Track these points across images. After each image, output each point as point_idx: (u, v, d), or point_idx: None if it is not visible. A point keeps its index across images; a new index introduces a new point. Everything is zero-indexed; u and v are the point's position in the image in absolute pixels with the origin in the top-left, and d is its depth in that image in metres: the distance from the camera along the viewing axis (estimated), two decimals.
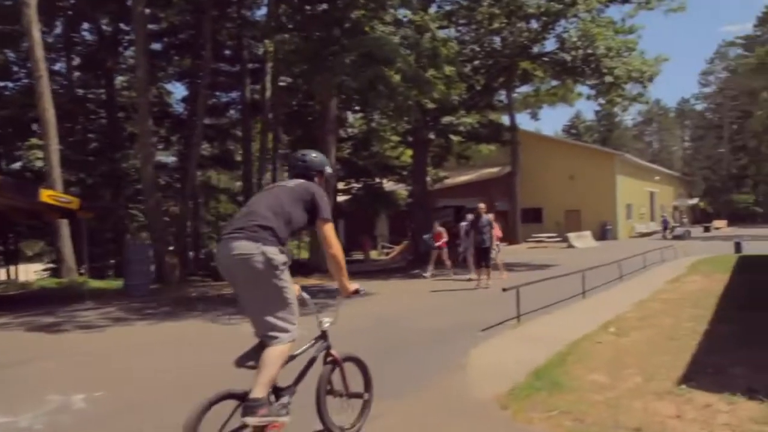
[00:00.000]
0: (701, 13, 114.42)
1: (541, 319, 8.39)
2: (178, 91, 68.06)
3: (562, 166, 39.84)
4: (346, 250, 29.57)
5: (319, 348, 3.79)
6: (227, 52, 33.05)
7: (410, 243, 25.28)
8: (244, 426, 3.16)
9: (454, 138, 22.27)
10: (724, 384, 4.69)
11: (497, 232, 14.40)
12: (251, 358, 3.37)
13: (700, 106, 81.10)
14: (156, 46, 31.17)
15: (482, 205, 14.29)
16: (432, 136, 21.01)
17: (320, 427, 3.72)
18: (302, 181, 3.70)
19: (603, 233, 37.54)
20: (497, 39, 22.40)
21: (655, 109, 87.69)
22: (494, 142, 23.86)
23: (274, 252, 3.29)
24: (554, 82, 27.52)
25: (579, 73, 20.96)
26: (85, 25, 28.77)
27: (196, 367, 6.26)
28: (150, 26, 30.39)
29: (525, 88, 40.26)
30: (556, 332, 7.35)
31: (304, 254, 24.98)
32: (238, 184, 40.04)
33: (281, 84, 24.60)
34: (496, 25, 20.93)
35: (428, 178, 25.54)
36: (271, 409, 3.21)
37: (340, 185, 29.97)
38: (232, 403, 3.18)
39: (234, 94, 33.93)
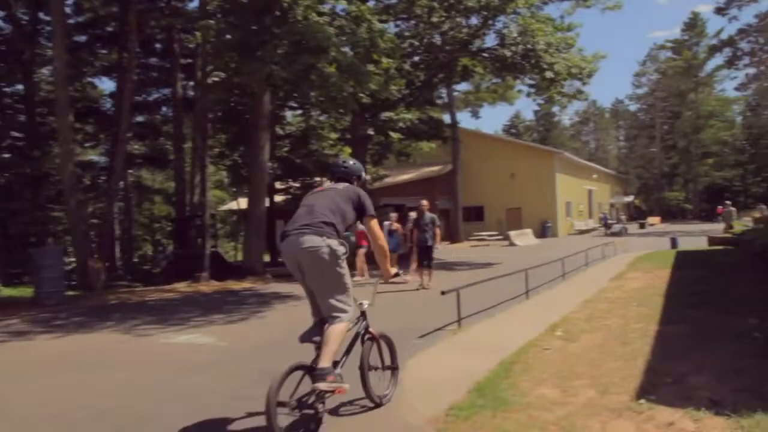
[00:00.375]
0: (632, 18, 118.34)
1: (484, 323, 7.83)
2: (107, 86, 65.27)
3: (503, 165, 39.96)
4: None
5: (360, 326, 4.36)
6: (158, 45, 31.63)
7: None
8: (313, 391, 3.65)
9: (394, 135, 21.69)
10: (685, 396, 4.19)
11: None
12: (314, 335, 3.98)
13: (633, 107, 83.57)
14: (80, 38, 29.48)
15: (425, 203, 13.68)
16: (371, 132, 20.36)
17: (360, 396, 4.37)
18: (348, 184, 4.34)
19: (543, 231, 37.80)
20: (437, 34, 21.99)
21: (591, 110, 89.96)
22: (435, 140, 23.40)
23: (336, 244, 3.88)
24: (494, 80, 27.27)
25: (519, 69, 20.72)
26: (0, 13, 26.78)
27: (91, 397, 5.37)
28: (74, 18, 28.83)
29: (466, 86, 40.51)
30: (499, 338, 6.80)
31: (239, 256, 23.99)
32: (173, 184, 38.51)
33: (214, 79, 23.47)
34: (435, 19, 20.45)
35: (368, 177, 24.88)
36: (336, 377, 3.73)
37: (278, 185, 29.01)
38: (299, 374, 3.73)
39: (166, 91, 32.54)
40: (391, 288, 12.96)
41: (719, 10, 46.26)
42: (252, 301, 12.56)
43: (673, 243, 21.27)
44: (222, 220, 49.30)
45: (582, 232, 41.44)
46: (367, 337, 4.42)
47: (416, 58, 22.65)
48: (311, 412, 3.68)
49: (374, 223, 4.24)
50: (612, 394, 4.39)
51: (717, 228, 39.76)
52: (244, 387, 5.28)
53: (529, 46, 19.12)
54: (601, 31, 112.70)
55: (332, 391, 3.69)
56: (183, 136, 29.40)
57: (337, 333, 3.81)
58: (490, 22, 20.82)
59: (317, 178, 29.62)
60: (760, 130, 68.59)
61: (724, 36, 59.89)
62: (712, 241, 20.67)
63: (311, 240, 3.82)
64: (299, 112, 28.57)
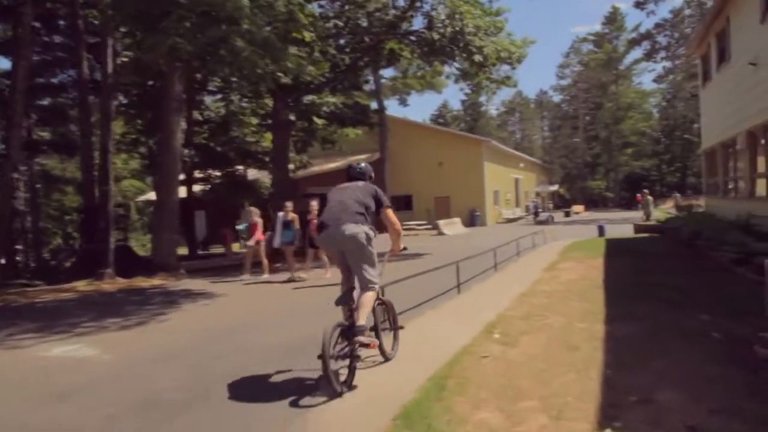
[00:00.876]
0: (555, 13, 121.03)
1: (413, 323, 6.96)
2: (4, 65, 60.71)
3: (431, 153, 39.56)
4: (205, 244, 26.86)
5: (349, 297, 4.90)
6: (61, 22, 29.11)
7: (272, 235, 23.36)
8: (354, 343, 4.50)
9: (318, 121, 20.57)
10: (656, 420, 3.43)
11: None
12: (348, 300, 4.81)
13: (557, 98, 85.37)
14: None
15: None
16: (293, 117, 19.17)
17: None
18: (365, 182, 5.28)
19: (472, 220, 37.64)
20: (362, 16, 20.99)
21: (517, 100, 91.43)
22: (361, 126, 22.42)
23: (369, 230, 4.91)
24: (422, 65, 26.53)
25: (447, 54, 20.01)
26: None
27: None
28: None
29: (393, 73, 39.73)
30: (430, 343, 5.93)
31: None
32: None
33: (123, 59, 21.63)
34: None
35: (291, 165, 23.71)
36: (370, 333, 4.77)
37: (199, 173, 27.28)
38: (338, 330, 4.50)
39: (73, 72, 30.03)
40: (318, 282, 11.99)
41: (638, 4, 47.42)
42: (157, 301, 11.26)
43: (601, 231, 21.21)
44: (139, 211, 46.78)
45: (510, 220, 41.62)
46: (377, 303, 5.15)
47: (342, 41, 21.59)
48: (354, 360, 4.55)
49: (390, 211, 5.23)
50: (568, 420, 3.58)
51: (637, 216, 40.84)
52: (118, 420, 4.20)
53: (457, 28, 18.41)
54: (526, 24, 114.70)
55: (368, 345, 4.57)
56: (89, 120, 27.14)
57: (370, 298, 4.81)
58: (418, 3, 20.01)
59: (239, 167, 28.13)
60: (674, 121, 71.50)
61: (642, 30, 61.99)
62: (638, 228, 20.72)
63: (351, 228, 4.77)
64: (219, 96, 27.00)
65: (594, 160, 72.73)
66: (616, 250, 14.43)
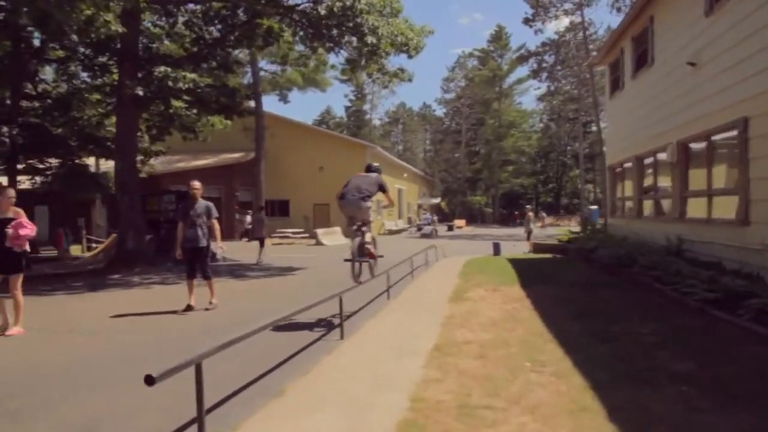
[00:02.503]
0: (439, 35, 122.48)
1: (260, 418, 3.83)
2: None
3: (312, 156, 36.53)
4: (39, 245, 21.77)
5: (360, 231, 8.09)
6: None
7: (116, 237, 19.17)
8: (365, 248, 8.16)
9: (176, 102, 16.82)
10: None
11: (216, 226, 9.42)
12: (359, 234, 8.08)
13: (440, 111, 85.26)
14: None
15: (196, 184, 9.23)
16: (140, 92, 15.30)
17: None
18: (374, 174, 8.49)
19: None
20: None
21: (401, 111, 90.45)
22: (229, 113, 18.83)
23: (369, 203, 7.96)
24: (304, 51, 23.34)
25: (334, 38, 17.09)
26: None
27: None
28: None
29: (275, 67, 36.16)
30: None
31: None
32: None
33: None
34: None
35: (140, 156, 19.64)
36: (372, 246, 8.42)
37: (23, 163, 22.16)
38: (357, 243, 7.96)
39: None
40: (151, 306, 8.35)
41: (527, 21, 47.14)
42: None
43: (496, 249, 19.08)
44: None
45: (393, 232, 39.34)
46: (358, 232, 8.13)
47: (211, 11, 18.02)
48: (367, 259, 8.35)
49: (389, 194, 8.74)
50: None
51: (519, 232, 40.15)
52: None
53: (348, 2, 15.53)
54: None
55: (371, 252, 8.35)
56: None
57: (370, 235, 8.26)
58: None
59: (85, 159, 23.31)
60: (552, 141, 73.39)
61: (526, 50, 62.70)
62: (537, 247, 18.81)
63: (360, 202, 7.83)
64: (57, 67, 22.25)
65: (475, 176, 72.76)
66: (527, 274, 12.05)
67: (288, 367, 5.14)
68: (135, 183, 16.60)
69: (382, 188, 8.24)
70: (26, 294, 7.58)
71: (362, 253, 8.09)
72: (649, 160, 13.64)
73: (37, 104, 22.37)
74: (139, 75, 16.19)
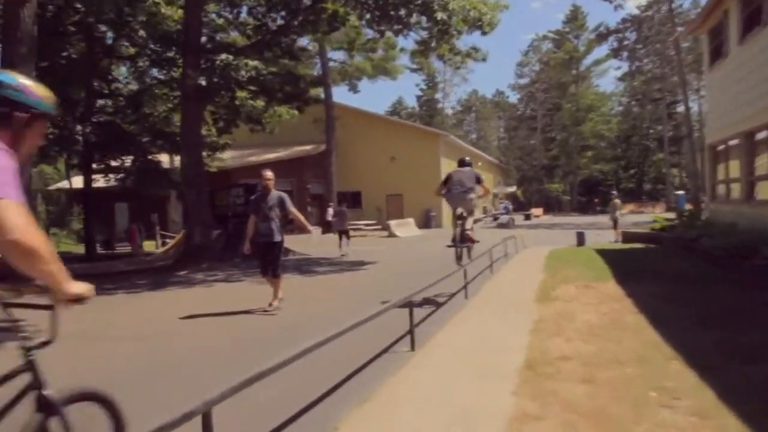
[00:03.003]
0: (514, 15, 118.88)
1: None
2: None
3: (384, 147, 35.68)
4: (107, 242, 21.87)
5: (461, 218, 9.25)
6: None
7: (185, 233, 18.97)
8: (465, 234, 8.83)
9: (240, 92, 16.34)
10: None
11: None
12: (461, 222, 8.85)
13: (514, 98, 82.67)
14: None
15: (269, 174, 8.25)
16: (203, 81, 14.86)
17: None
18: (468, 168, 9.03)
19: (427, 220, 33.96)
20: None
21: (473, 99, 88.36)
22: (295, 101, 18.21)
23: (473, 195, 8.68)
24: (371, 34, 22.44)
25: (401, 18, 16.09)
26: None
27: None
28: None
29: (343, 56, 35.61)
30: None
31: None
32: None
33: None
34: None
35: (207, 151, 19.34)
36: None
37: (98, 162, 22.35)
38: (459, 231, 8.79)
39: None
40: (220, 306, 7.64)
41: None
42: None
43: (580, 239, 17.61)
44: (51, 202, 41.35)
45: None
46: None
47: None
48: (468, 244, 9.05)
49: (484, 183, 9.21)
50: None
51: (603, 221, 37.94)
52: None
53: None
54: None
55: (471, 237, 9.00)
56: None
57: (471, 221, 8.87)
58: None
59: (157, 155, 23.27)
60: (634, 123, 69.66)
61: (603, 29, 59.58)
62: (626, 236, 17.22)
63: (465, 195, 8.62)
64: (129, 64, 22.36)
65: (551, 162, 70.00)
66: (621, 267, 10.71)
67: (345, 389, 4.24)
68: (202, 177, 16.23)
69: (478, 180, 8.86)
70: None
71: (464, 239, 8.85)
72: (762, 135, 11.92)
73: (109, 102, 22.59)
74: (202, 66, 15.77)
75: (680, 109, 71.56)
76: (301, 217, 8.30)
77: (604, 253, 13.58)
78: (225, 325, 7.32)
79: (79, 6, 16.90)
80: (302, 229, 8.67)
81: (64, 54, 18.68)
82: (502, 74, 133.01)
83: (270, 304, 8.00)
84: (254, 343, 6.05)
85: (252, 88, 16.74)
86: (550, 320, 6.27)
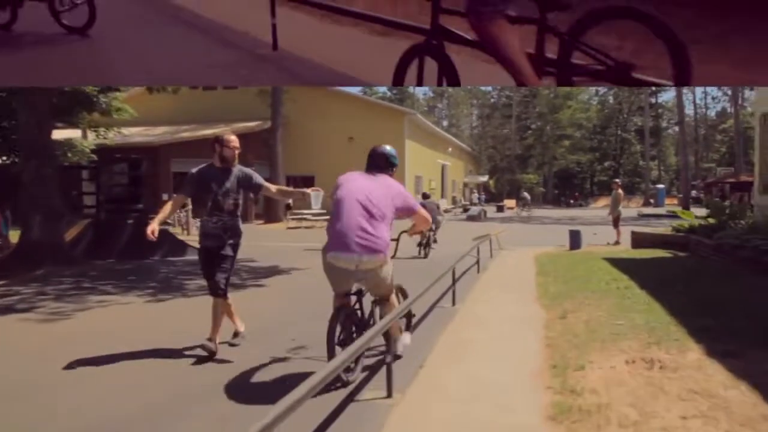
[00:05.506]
0: None
1: None
2: None
3: (340, 125, 31.12)
4: None
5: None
6: None
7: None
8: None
9: None
10: None
11: None
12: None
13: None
14: None
15: (233, 139, 5.24)
16: None
17: None
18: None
19: None
20: None
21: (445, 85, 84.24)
22: None
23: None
24: None
25: None
26: None
27: None
28: None
29: None
30: None
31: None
32: None
33: None
34: None
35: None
36: None
37: None
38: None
39: None
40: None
41: None
42: None
43: (574, 240, 13.42)
44: None
45: None
46: None
47: None
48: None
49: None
50: None
51: (585, 215, 34.21)
52: None
53: None
54: None
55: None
56: None
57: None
58: None
59: None
60: (611, 112, 66.79)
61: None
62: (637, 240, 13.01)
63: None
64: None
65: (525, 153, 66.09)
66: (678, 299, 6.41)
67: None
68: (48, 145, 11.37)
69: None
70: None
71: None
72: None
73: None
74: None
75: (663, 98, 69.02)
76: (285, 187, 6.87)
77: (625, 266, 9.32)
78: None
79: None
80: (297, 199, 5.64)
81: None
82: None
83: (236, 334, 5.09)
84: None
85: None
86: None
